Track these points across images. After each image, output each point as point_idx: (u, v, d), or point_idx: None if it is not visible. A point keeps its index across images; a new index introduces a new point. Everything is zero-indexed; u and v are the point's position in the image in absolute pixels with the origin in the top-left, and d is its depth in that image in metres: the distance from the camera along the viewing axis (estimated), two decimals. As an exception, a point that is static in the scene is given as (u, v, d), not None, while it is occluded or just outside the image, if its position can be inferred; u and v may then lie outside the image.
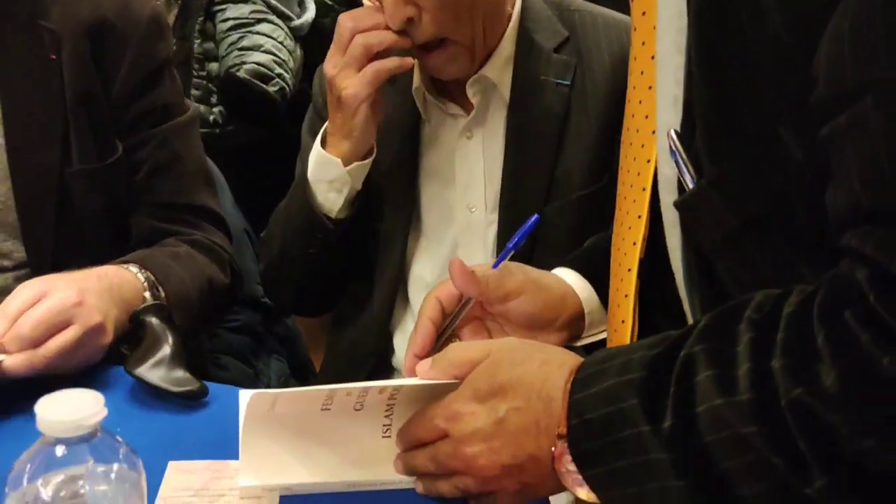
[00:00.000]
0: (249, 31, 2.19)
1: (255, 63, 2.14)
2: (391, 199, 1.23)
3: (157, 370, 0.90)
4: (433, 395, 0.75)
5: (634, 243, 0.76)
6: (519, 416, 0.69)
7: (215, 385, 0.94)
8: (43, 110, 1.11)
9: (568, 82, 1.17)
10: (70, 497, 0.56)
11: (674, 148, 0.68)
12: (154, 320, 0.96)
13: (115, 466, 0.58)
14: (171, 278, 1.07)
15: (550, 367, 0.70)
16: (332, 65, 1.11)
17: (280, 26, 2.24)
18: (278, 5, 2.25)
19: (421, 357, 0.83)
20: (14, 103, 1.11)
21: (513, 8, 1.19)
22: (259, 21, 2.21)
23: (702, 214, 0.67)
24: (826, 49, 0.56)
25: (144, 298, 1.02)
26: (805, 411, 0.54)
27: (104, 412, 0.57)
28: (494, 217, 1.20)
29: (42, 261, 1.10)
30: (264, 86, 2.13)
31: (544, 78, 1.17)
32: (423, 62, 1.15)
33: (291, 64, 2.21)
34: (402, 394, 0.77)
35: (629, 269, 0.77)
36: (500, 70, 1.18)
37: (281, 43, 2.20)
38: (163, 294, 1.05)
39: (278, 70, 2.16)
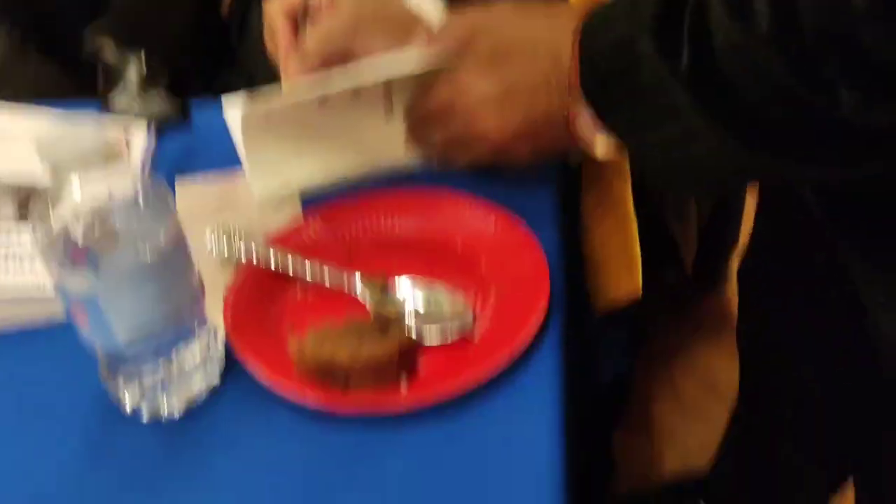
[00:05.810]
0: None
1: None
2: None
3: (123, 98, 0.84)
4: (433, 74, 0.70)
5: None
6: (527, 77, 0.65)
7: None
8: None
9: None
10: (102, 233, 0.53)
11: None
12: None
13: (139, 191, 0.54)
14: None
15: (558, 21, 0.65)
16: None
17: None
18: None
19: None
20: None
21: None
22: None
23: None
24: None
25: None
26: (832, 36, 0.48)
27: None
28: None
29: None
30: None
31: None
32: None
33: None
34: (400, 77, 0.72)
35: None
36: None
37: None
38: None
39: None
